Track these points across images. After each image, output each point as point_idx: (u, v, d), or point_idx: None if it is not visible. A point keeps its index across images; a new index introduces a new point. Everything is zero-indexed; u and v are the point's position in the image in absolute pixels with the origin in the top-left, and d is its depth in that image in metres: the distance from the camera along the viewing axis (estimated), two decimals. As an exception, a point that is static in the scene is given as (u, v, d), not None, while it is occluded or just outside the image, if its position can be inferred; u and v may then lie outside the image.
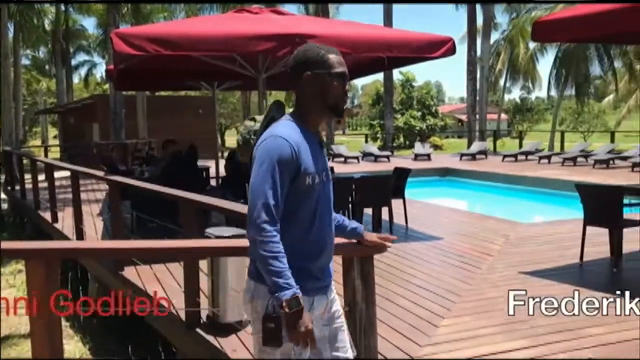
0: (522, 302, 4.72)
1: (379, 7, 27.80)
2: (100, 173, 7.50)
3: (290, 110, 2.23)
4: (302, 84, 2.20)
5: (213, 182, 11.47)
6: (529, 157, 20.45)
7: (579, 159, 18.30)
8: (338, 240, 2.57)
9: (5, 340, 5.94)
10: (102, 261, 6.48)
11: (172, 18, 26.72)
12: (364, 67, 9.52)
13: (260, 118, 2.26)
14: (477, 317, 4.39)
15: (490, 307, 4.62)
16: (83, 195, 8.57)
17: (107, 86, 33.85)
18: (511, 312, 4.43)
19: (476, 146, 22.62)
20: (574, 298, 4.86)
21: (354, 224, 2.43)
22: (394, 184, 8.34)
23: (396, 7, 28.27)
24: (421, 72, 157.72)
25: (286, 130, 2.11)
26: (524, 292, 4.98)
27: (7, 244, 2.83)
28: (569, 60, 34.40)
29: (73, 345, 5.87)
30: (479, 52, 28.98)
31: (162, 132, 20.93)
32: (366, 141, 29.36)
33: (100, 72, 49.11)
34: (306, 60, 2.19)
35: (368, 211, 8.18)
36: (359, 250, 2.48)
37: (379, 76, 37.88)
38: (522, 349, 3.78)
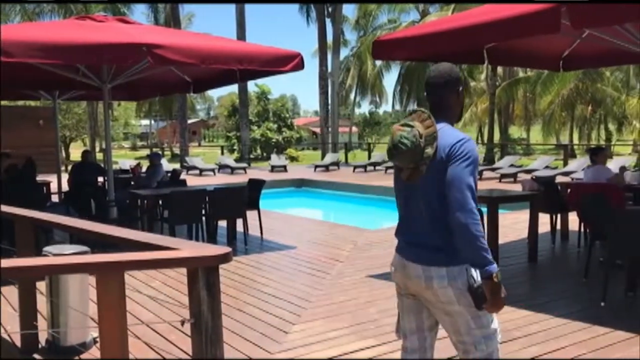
0: (368, 305, 5.01)
1: (232, 22, 27.88)
2: None
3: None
4: (456, 97, 2.58)
5: (55, 198, 10.77)
6: (377, 167, 21.62)
7: (421, 169, 19.65)
8: (180, 253, 2.56)
9: None
10: None
11: (7, 22, 24.65)
12: (216, 79, 9.52)
13: (414, 123, 2.47)
14: (327, 321, 4.56)
15: (339, 311, 4.83)
16: None
17: None
18: (358, 314, 4.70)
19: (329, 158, 23.45)
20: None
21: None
22: (248, 195, 8.41)
23: (249, 21, 28.51)
24: (277, 85, 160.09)
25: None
26: (371, 295, 5.29)
27: None
28: (411, 76, 36.87)
29: None
30: (329, 68, 30.10)
31: (-3, 144, 19.13)
32: (222, 153, 29.17)
33: None
34: (458, 77, 2.58)
35: (222, 223, 8.16)
36: (203, 261, 2.49)
37: (235, 88, 37.91)
38: (370, 347, 3.98)
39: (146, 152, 37.73)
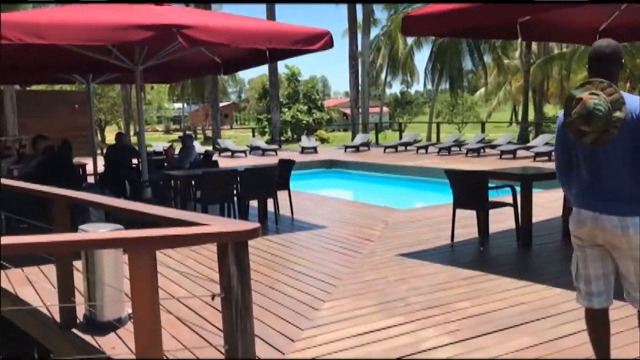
0: (398, 283, 5.02)
1: (262, 4, 27.78)
2: (-39, 172, 6.93)
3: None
4: (619, 70, 2.95)
5: (91, 180, 11.00)
6: (408, 147, 21.44)
7: (453, 149, 19.45)
8: (210, 228, 2.59)
9: None
10: (-35, 267, 6.01)
11: (42, 6, 25.02)
12: (246, 60, 9.54)
13: (597, 92, 2.75)
14: (357, 299, 4.57)
15: (369, 289, 4.84)
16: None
17: (-31, 80, 31.09)
18: (388, 292, 4.71)
19: (359, 139, 23.33)
20: (444, 276, 5.24)
21: None
22: (278, 176, 8.44)
23: (279, 4, 28.35)
24: (307, 67, 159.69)
25: None
26: (401, 274, 5.29)
27: None
28: (443, 54, 36.33)
29: None
30: (360, 47, 29.84)
31: (35, 129, 19.54)
32: (253, 135, 29.31)
33: (-40, 64, 44.95)
34: (621, 54, 2.94)
35: (254, 203, 8.23)
36: (233, 236, 2.52)
37: (265, 70, 37.95)
38: (399, 325, 3.99)
39: (179, 135, 38.17)
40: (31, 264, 5.57)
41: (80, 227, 4.17)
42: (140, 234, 2.46)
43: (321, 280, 5.13)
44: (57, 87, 32.45)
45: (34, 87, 25.39)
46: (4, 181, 5.62)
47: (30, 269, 5.54)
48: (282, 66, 40.55)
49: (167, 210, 2.96)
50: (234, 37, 6.81)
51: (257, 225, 2.61)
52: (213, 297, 2.60)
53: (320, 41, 7.21)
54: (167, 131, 60.47)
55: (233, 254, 2.52)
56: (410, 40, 42.09)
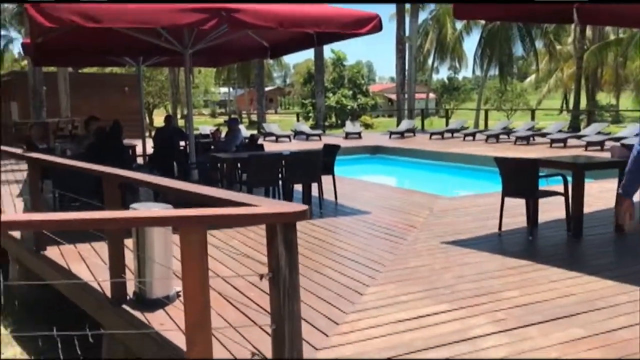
0: (443, 270, 4.97)
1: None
2: (19, 151, 7.18)
3: None
4: None
5: (140, 161, 11.25)
6: (455, 134, 21.11)
7: (501, 136, 19.06)
8: (260, 209, 2.61)
9: None
10: (22, 242, 6.26)
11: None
12: (293, 43, 9.54)
13: None
14: (401, 285, 4.55)
15: (413, 275, 4.80)
16: (2, 176, 8.22)
17: (25, 63, 32.13)
18: (433, 280, 4.67)
19: (405, 124, 23.11)
20: (491, 265, 5.16)
21: None
22: (323, 161, 8.44)
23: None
24: (352, 52, 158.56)
25: None
26: (446, 262, 5.24)
27: None
28: (493, 40, 35.52)
29: (-7, 329, 5.66)
30: (407, 32, 29.45)
31: (87, 111, 20.06)
32: (297, 120, 29.40)
33: (17, 47, 46.56)
34: None
35: (298, 187, 8.27)
36: (282, 217, 2.53)
37: (311, 55, 37.91)
38: (444, 312, 3.95)
39: (225, 119, 38.61)
40: (83, 241, 5.75)
41: (132, 205, 4.28)
42: (192, 212, 2.50)
43: (365, 266, 5.12)
44: (107, 70, 33.22)
45: (85, 70, 26.03)
46: (60, 160, 5.81)
47: (82, 246, 5.73)
48: (328, 51, 40.35)
49: (217, 191, 3.00)
50: (282, 20, 6.81)
51: (305, 207, 2.62)
52: (261, 277, 2.63)
53: (368, 24, 7.13)
54: (213, 115, 61.26)
55: (282, 235, 2.54)
56: (459, 24, 41.30)
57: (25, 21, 20.60)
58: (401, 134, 21.76)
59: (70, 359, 3.55)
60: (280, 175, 8.06)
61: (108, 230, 4.29)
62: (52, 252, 5.67)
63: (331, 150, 8.77)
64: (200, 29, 7.61)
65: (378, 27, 7.18)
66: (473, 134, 20.15)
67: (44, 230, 5.34)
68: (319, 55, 29.19)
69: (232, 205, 2.77)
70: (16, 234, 6.43)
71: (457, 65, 47.86)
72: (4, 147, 7.47)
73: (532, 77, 45.68)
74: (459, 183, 13.92)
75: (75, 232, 5.64)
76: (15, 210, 8.05)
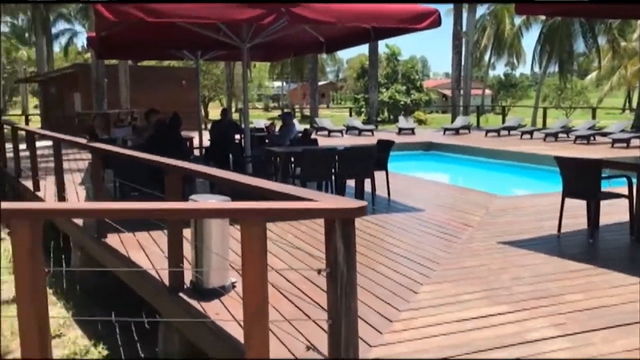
0: (501, 271, 4.86)
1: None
2: (83, 141, 7.44)
3: None
4: None
5: (196, 153, 11.46)
6: (512, 132, 20.60)
7: (560, 135, 18.48)
8: (319, 204, 2.62)
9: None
10: (84, 229, 6.49)
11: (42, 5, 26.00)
12: (350, 38, 9.51)
13: None
14: (457, 284, 4.48)
15: (470, 275, 4.72)
16: (65, 165, 8.53)
17: (88, 55, 33.28)
18: (490, 280, 4.58)
19: (460, 121, 22.72)
20: (550, 267, 5.02)
21: None
22: (377, 156, 8.40)
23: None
24: (407, 47, 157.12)
25: None
26: (504, 262, 5.12)
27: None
28: (553, 36, 34.44)
29: (56, 312, 5.89)
30: (464, 27, 28.91)
31: (145, 103, 20.59)
32: (350, 115, 29.35)
33: (81, 41, 48.39)
34: None
35: (350, 182, 8.25)
36: (341, 213, 2.53)
37: (364, 49, 37.76)
38: (503, 313, 3.87)
39: (278, 113, 38.93)
40: (142, 230, 5.91)
41: (191, 197, 4.36)
42: (253, 205, 2.53)
43: (419, 264, 5.07)
44: (165, 63, 33.99)
45: (144, 63, 26.70)
46: (122, 151, 5.99)
47: (140, 234, 5.89)
48: (382, 45, 40.09)
49: (277, 185, 3.02)
50: (341, 15, 6.80)
51: (364, 203, 2.61)
52: (319, 271, 2.63)
53: (427, 20, 7.03)
54: (266, 109, 61.89)
55: (340, 231, 2.54)
56: (517, 20, 40.24)
57: (89, 15, 21.31)
58: (456, 131, 21.40)
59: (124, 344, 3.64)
60: (333, 170, 8.06)
61: (169, 221, 4.39)
62: (112, 239, 5.85)
63: (385, 146, 8.71)
64: (258, 23, 7.69)
65: (437, 23, 7.07)
66: (530, 132, 19.61)
67: (105, 219, 5.52)
68: (373, 50, 29.00)
69: (290, 199, 2.78)
70: (78, 221, 6.67)
71: (515, 61, 46.62)
72: (68, 137, 7.76)
73: (594, 75, 44.03)
74: (516, 182, 13.59)
75: (135, 220, 5.83)
76: (77, 198, 8.35)
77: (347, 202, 2.62)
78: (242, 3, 6.39)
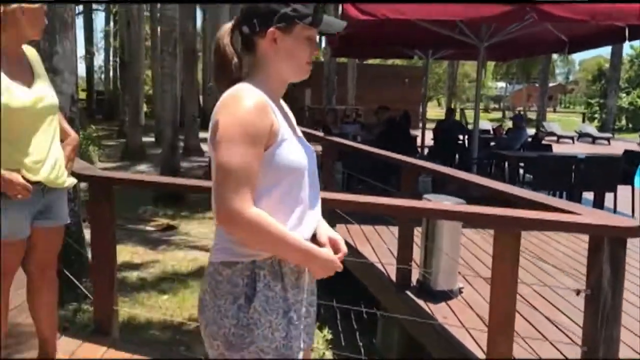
0: None
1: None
2: (320, 134, 7.90)
3: None
4: None
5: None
6: None
7: None
8: (584, 218, 2.39)
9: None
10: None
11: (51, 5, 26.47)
12: (597, 38, 8.69)
13: None
14: None
15: None
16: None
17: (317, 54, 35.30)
18: None
19: None
20: None
21: None
22: (622, 169, 7.56)
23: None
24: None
25: None
26: None
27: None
28: None
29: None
30: None
31: (369, 100, 21.31)
32: (583, 120, 27.04)
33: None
34: None
35: (588, 195, 7.54)
36: (611, 230, 2.27)
37: (601, 51, 34.42)
38: None
39: (498, 114, 37.40)
40: (368, 223, 6.05)
41: (425, 196, 4.33)
42: (508, 212, 2.39)
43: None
44: (388, 62, 34.77)
45: (369, 62, 27.58)
46: (358, 145, 6.21)
47: (365, 227, 6.04)
48: (626, 47, 36.14)
49: (530, 193, 2.84)
50: (593, 12, 6.21)
51: (637, 223, 2.32)
52: (578, 292, 2.41)
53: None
54: (486, 110, 59.89)
55: (608, 251, 2.28)
56: None
57: (329, 14, 22.51)
58: None
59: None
60: (570, 180, 7.44)
61: (401, 218, 4.42)
62: (339, 230, 6.09)
63: (635, 158, 7.80)
64: (499, 22, 7.40)
65: None
66: None
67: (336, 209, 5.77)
68: (616, 52, 26.29)
69: (547, 209, 2.59)
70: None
71: None
72: (309, 130, 8.29)
73: None
74: None
75: (363, 213, 6.00)
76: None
77: (618, 219, 2.35)
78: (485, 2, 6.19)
